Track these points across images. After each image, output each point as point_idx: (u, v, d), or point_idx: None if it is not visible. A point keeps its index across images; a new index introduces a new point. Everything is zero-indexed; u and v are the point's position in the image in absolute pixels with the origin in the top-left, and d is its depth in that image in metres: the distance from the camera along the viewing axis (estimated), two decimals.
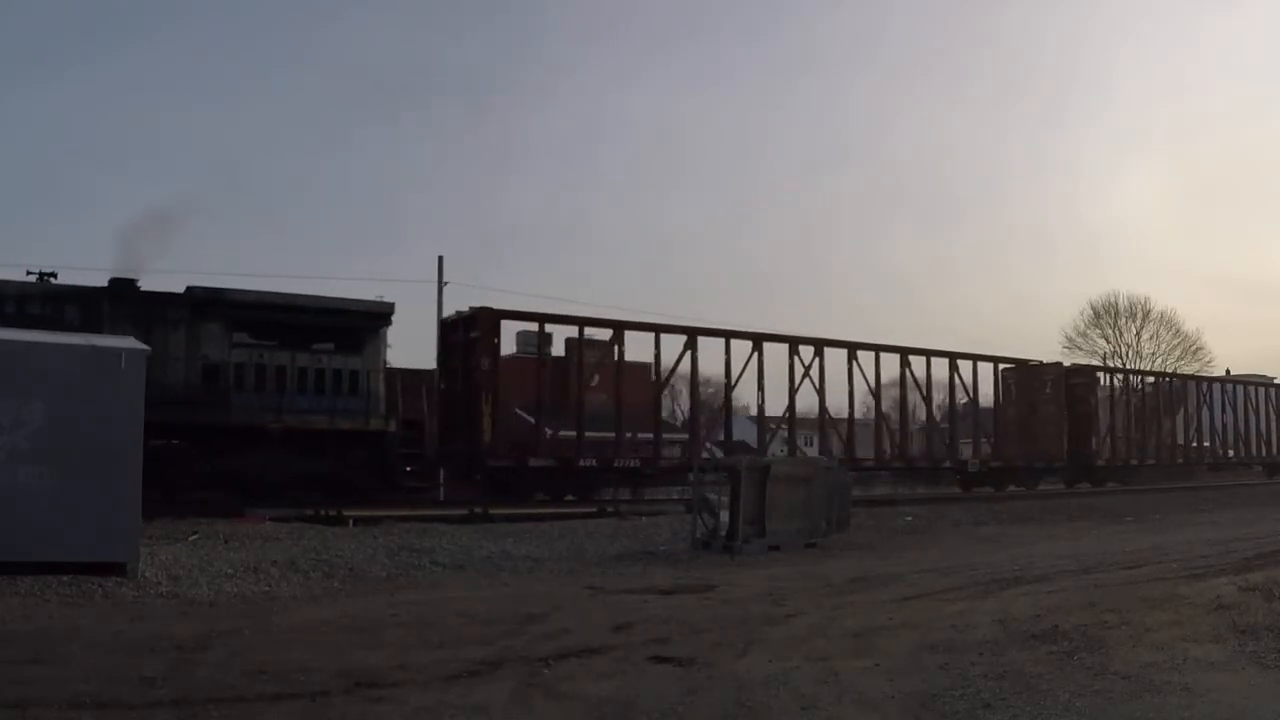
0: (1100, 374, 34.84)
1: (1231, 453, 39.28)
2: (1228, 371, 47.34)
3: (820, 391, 25.97)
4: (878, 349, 27.46)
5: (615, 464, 22.46)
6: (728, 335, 24.83)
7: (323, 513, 16.23)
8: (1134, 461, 34.21)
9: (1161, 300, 68.51)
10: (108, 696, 5.41)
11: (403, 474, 19.53)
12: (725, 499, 14.23)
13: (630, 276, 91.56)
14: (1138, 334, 56.04)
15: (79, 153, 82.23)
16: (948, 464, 29.80)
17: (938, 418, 31.94)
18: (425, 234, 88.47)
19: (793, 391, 25.52)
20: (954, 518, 19.96)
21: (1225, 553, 12.61)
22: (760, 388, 24.99)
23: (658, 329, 23.31)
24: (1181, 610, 7.94)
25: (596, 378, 22.99)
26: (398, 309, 19.09)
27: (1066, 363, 35.97)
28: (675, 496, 22.15)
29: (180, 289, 17.87)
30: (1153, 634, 6.97)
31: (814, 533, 14.52)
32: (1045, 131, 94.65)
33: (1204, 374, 44.55)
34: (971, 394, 30.23)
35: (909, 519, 19.43)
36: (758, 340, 24.86)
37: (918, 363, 28.49)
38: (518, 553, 12.95)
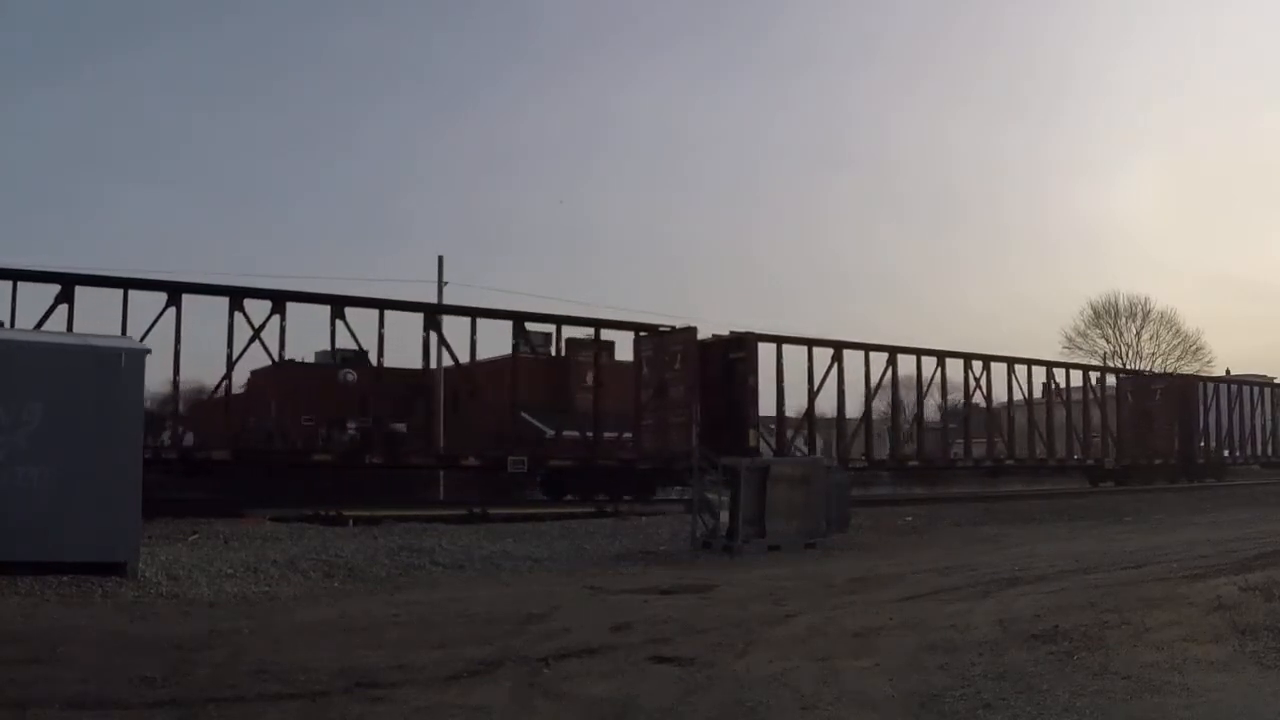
0: (761, 344, 24.52)
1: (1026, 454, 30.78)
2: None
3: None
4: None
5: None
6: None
7: (323, 513, 16.25)
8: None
9: (1161, 300, 68.26)
10: (108, 696, 5.41)
11: None
12: (725, 499, 14.24)
13: (627, 275, 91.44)
14: (1138, 334, 55.82)
15: (84, 156, 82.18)
16: (473, 461, 22.47)
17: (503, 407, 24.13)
18: (425, 234, 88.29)
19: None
20: (954, 518, 19.99)
21: (1225, 553, 12.59)
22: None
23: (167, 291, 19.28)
24: (1181, 610, 7.93)
25: None
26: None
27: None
28: None
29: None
30: (1153, 634, 6.97)
31: (814, 533, 14.51)
32: (1045, 131, 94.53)
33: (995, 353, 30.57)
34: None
35: (909, 519, 19.48)
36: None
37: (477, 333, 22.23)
38: (518, 553, 12.95)
